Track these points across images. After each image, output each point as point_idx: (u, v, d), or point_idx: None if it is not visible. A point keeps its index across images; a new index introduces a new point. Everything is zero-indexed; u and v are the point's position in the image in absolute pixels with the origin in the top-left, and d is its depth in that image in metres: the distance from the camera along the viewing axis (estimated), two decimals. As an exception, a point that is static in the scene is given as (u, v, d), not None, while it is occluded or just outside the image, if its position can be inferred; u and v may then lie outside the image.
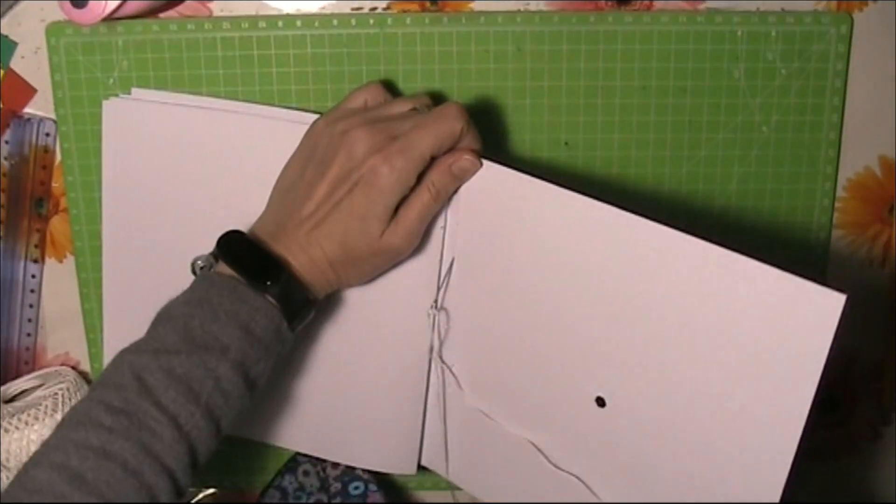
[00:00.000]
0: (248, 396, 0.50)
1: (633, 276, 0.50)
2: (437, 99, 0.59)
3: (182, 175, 0.60)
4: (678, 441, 0.51)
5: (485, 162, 0.54)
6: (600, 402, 0.53)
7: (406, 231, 0.53)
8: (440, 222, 0.57)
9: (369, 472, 0.64)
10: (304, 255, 0.52)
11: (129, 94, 0.60)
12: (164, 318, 0.50)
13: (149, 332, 0.50)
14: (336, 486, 0.64)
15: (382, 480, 0.65)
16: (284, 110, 0.60)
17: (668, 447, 0.51)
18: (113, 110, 0.60)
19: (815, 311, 0.45)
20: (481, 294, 0.57)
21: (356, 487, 0.64)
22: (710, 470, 0.50)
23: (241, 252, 0.52)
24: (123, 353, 0.49)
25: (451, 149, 0.53)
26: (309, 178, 0.53)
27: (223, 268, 0.52)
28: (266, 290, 0.50)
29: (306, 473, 0.65)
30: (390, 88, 0.59)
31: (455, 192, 0.55)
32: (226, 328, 0.49)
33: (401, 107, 0.55)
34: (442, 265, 0.58)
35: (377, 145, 0.51)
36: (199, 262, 0.56)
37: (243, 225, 0.54)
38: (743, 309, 0.47)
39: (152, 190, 0.61)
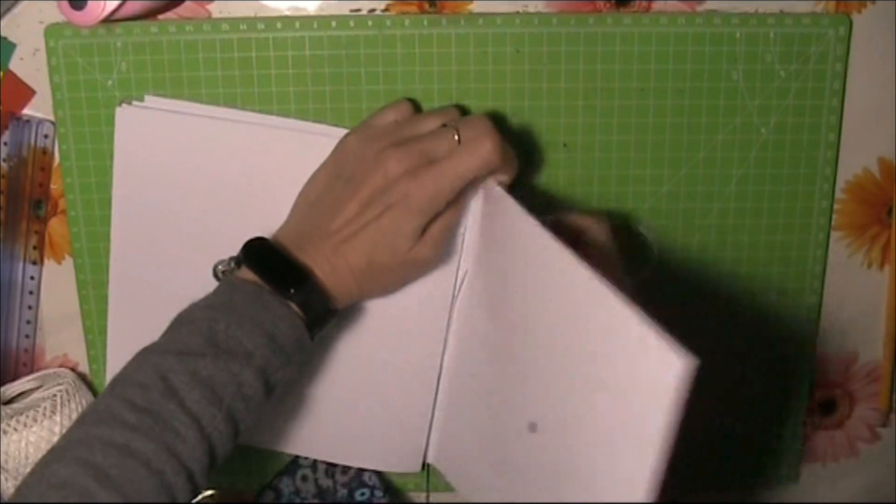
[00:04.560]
0: (265, 402, 0.50)
1: (546, 304, 0.49)
2: (463, 111, 0.60)
3: (193, 183, 0.60)
4: (568, 466, 0.48)
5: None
6: (532, 427, 0.51)
7: (434, 243, 0.54)
8: (460, 230, 0.58)
9: (376, 478, 0.64)
10: (328, 266, 0.52)
11: (132, 97, 0.60)
12: (187, 320, 0.50)
13: (170, 333, 0.50)
14: (343, 491, 0.64)
15: (388, 487, 0.65)
16: (297, 121, 0.60)
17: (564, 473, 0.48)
18: (125, 117, 0.60)
19: (656, 370, 0.38)
20: (490, 302, 0.58)
21: (362, 494, 0.64)
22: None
23: (265, 259, 0.52)
24: (147, 353, 0.49)
25: None
26: (338, 193, 0.53)
27: (245, 273, 0.52)
28: (289, 297, 0.50)
29: (304, 479, 0.65)
30: (417, 107, 0.60)
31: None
32: (250, 334, 0.49)
33: (431, 123, 0.55)
34: (458, 273, 0.59)
35: (411, 169, 0.51)
36: (220, 265, 0.57)
37: (254, 234, 0.54)
38: (605, 347, 0.43)
39: (162, 197, 0.61)
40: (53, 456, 0.45)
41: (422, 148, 0.52)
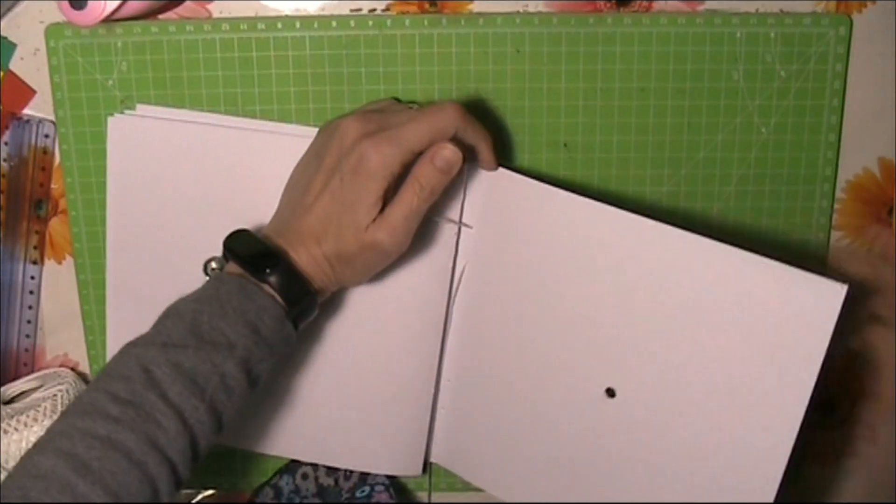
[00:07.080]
0: (248, 393, 0.51)
1: (641, 273, 0.52)
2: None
3: (186, 188, 0.61)
4: (682, 433, 0.52)
5: (500, 170, 0.57)
6: (610, 392, 0.55)
7: (391, 226, 0.52)
8: (453, 228, 0.58)
9: (381, 475, 0.65)
10: (302, 248, 0.53)
11: (133, 101, 0.60)
12: (173, 313, 0.51)
13: (156, 326, 0.51)
14: (346, 484, 0.64)
15: (394, 483, 0.65)
16: (284, 125, 0.61)
17: (672, 439, 0.53)
18: (118, 127, 0.60)
19: (817, 302, 0.47)
20: (493, 296, 0.59)
21: (362, 491, 0.64)
22: (708, 463, 0.52)
23: (243, 247, 0.53)
24: (130, 347, 0.49)
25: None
26: (309, 172, 0.55)
27: (232, 267, 0.53)
28: (266, 279, 0.51)
29: (305, 477, 0.65)
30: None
31: (464, 196, 0.57)
32: (233, 325, 0.49)
33: (398, 107, 0.56)
34: (455, 270, 0.59)
35: (368, 133, 0.52)
36: (212, 262, 0.58)
37: None
38: (746, 302, 0.49)
39: (157, 203, 0.61)
40: (36, 448, 0.46)
41: (381, 117, 0.53)
